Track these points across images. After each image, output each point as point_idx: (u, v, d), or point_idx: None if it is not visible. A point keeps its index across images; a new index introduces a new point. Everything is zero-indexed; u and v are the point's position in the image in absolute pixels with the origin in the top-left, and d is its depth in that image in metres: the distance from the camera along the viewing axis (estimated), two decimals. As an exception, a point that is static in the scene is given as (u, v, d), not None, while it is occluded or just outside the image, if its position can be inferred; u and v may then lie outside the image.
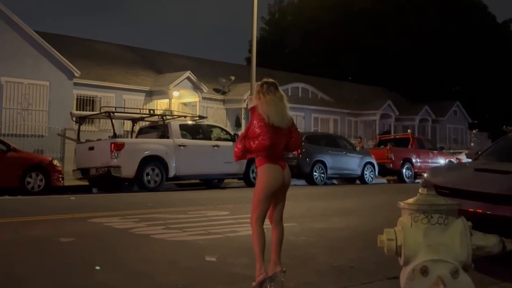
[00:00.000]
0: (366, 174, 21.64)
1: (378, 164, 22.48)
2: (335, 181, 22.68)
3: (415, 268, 2.65)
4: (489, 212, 6.39)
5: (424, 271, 2.62)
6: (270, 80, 5.12)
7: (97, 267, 5.06)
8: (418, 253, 2.71)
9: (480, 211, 6.46)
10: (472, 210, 6.46)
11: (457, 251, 2.68)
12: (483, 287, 5.12)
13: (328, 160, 20.35)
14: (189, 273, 5.68)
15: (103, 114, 17.64)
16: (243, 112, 30.10)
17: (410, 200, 2.84)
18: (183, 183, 18.43)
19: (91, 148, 16.71)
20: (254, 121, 4.96)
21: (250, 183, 18.47)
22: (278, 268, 4.98)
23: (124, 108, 23.19)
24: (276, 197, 5.05)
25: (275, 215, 5.14)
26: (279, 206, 5.13)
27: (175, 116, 18.94)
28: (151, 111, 19.57)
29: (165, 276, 5.51)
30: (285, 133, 5.03)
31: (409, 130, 30.00)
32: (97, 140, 17.68)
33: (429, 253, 2.68)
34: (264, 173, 4.98)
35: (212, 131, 19.08)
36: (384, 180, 24.51)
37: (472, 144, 44.04)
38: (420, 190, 2.97)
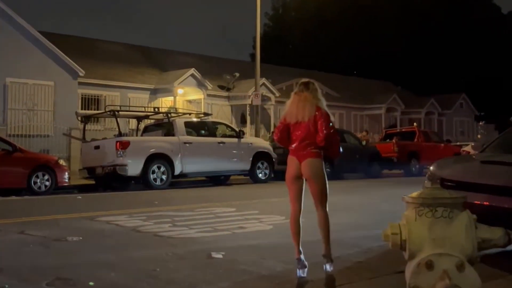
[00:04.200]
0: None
1: (384, 157, 22.39)
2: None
3: (420, 262, 2.63)
4: (496, 205, 6.35)
5: (429, 265, 2.61)
6: (304, 80, 5.67)
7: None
8: (423, 247, 2.69)
9: (487, 203, 6.43)
10: (478, 202, 6.43)
11: (462, 244, 2.66)
12: (490, 280, 5.11)
13: None
14: (196, 270, 5.68)
15: (108, 113, 17.66)
16: (248, 108, 30.06)
17: (414, 194, 2.83)
18: (189, 181, 18.43)
19: (97, 147, 16.74)
20: None
21: (256, 179, 18.49)
22: (323, 251, 5.40)
23: (129, 106, 23.21)
24: (309, 186, 5.45)
25: (314, 203, 5.49)
26: (313, 194, 5.45)
27: (180, 114, 18.92)
28: (156, 109, 19.55)
29: (171, 273, 5.51)
30: (306, 126, 5.39)
31: (415, 124, 29.90)
32: (103, 139, 17.72)
33: (434, 247, 2.67)
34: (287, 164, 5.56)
35: (217, 128, 19.09)
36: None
37: (479, 136, 43.83)
38: (425, 184, 2.95)
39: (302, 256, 5.38)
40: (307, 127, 5.38)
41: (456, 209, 2.73)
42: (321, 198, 5.42)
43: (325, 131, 5.31)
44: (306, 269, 5.36)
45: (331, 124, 5.43)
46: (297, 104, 5.49)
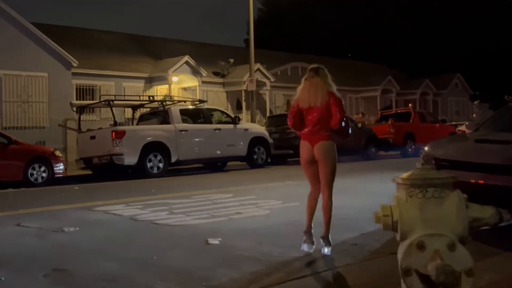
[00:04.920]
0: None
1: (381, 139, 22.41)
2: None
3: (411, 243, 2.63)
4: (490, 183, 6.37)
5: (420, 246, 2.61)
6: (313, 65, 5.82)
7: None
8: (414, 228, 2.69)
9: (482, 182, 6.44)
10: (473, 181, 6.45)
11: (454, 224, 2.66)
12: (486, 257, 5.13)
13: None
14: (192, 257, 5.69)
15: (103, 102, 17.61)
16: (243, 94, 30.02)
17: (405, 175, 2.82)
18: (186, 168, 18.44)
19: (93, 137, 16.72)
20: None
21: (253, 165, 18.51)
22: (323, 233, 5.59)
23: (124, 95, 23.16)
24: (319, 167, 5.63)
25: (321, 185, 5.67)
26: (321, 175, 5.64)
27: (175, 102, 18.90)
28: (151, 98, 19.52)
29: (168, 261, 5.53)
30: (319, 110, 5.58)
31: (410, 104, 29.90)
32: (98, 129, 17.68)
33: (425, 227, 2.67)
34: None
35: (213, 114, 19.09)
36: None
37: (474, 115, 43.88)
38: (416, 164, 2.95)
39: (312, 231, 5.61)
40: (320, 112, 5.59)
41: (447, 189, 2.73)
42: (329, 181, 5.61)
43: (339, 115, 5.54)
44: (313, 246, 5.59)
45: (343, 108, 5.67)
46: (309, 89, 5.68)
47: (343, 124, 5.58)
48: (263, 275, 4.90)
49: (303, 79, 5.83)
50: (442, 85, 43.42)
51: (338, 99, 5.67)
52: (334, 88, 5.74)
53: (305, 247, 5.60)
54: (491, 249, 5.51)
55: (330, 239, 5.58)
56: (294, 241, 6.25)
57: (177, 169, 17.85)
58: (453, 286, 2.48)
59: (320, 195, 5.70)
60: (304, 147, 5.70)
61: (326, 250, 5.52)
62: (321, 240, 5.56)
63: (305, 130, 5.69)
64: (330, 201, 5.64)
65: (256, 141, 18.68)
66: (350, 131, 5.84)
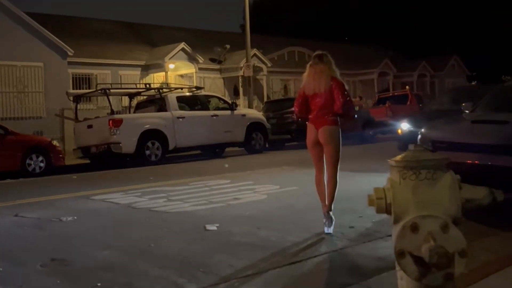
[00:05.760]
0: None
1: (378, 122, 22.38)
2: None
3: (405, 225, 2.62)
4: (486, 163, 6.37)
5: (414, 227, 2.60)
6: (318, 52, 6.07)
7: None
8: (408, 210, 2.69)
9: (478, 162, 6.44)
10: (470, 162, 6.45)
11: (447, 205, 2.65)
12: (483, 237, 5.15)
13: None
14: (190, 244, 5.70)
15: (100, 91, 17.56)
16: (240, 80, 29.93)
17: (398, 157, 2.81)
18: (184, 155, 18.44)
19: (90, 126, 16.69)
20: None
21: (251, 150, 18.52)
22: (324, 209, 5.89)
23: (121, 84, 23.08)
24: (324, 150, 5.95)
25: (326, 165, 6.00)
26: (326, 157, 5.96)
27: (171, 89, 18.85)
28: (148, 85, 19.46)
29: (166, 248, 5.54)
30: (323, 96, 5.84)
31: (407, 87, 29.82)
32: (95, 118, 17.65)
33: (419, 209, 2.66)
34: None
35: (210, 101, 19.06)
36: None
37: (472, 96, 43.74)
38: (409, 147, 2.93)
39: (331, 213, 5.84)
40: (324, 97, 5.85)
41: (440, 170, 2.72)
42: (333, 162, 5.93)
43: (341, 99, 5.79)
44: (332, 225, 5.82)
45: (346, 92, 5.89)
46: (313, 76, 5.94)
47: (347, 107, 5.84)
48: (260, 260, 4.91)
49: (308, 66, 6.07)
50: (439, 66, 43.33)
51: (340, 84, 5.91)
52: (337, 73, 6.01)
53: (326, 229, 5.82)
54: (488, 230, 5.53)
55: (331, 216, 5.82)
56: (291, 226, 6.27)
57: (174, 156, 17.85)
58: (446, 267, 2.48)
59: (326, 176, 5.97)
60: (310, 130, 5.99)
61: (328, 228, 5.78)
62: (323, 217, 5.84)
63: (311, 115, 5.97)
64: (334, 179, 5.92)
65: (254, 126, 18.68)
66: (355, 115, 6.18)
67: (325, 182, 5.97)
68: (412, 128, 12.71)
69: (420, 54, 45.46)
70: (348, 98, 5.90)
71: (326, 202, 5.88)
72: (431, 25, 51.78)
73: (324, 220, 5.83)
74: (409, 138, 10.06)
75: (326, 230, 5.79)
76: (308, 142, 6.05)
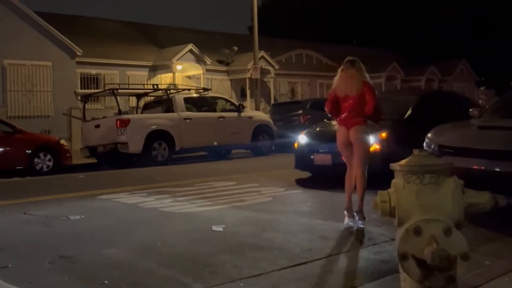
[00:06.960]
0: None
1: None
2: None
3: (408, 228, 2.67)
4: (492, 169, 6.39)
5: (417, 231, 2.65)
6: (349, 58, 6.59)
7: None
8: (411, 214, 2.74)
9: (484, 168, 6.47)
10: (476, 167, 6.48)
11: (450, 209, 2.70)
12: (487, 242, 5.18)
13: None
14: (196, 244, 5.75)
15: (108, 91, 17.65)
16: (247, 82, 29.98)
17: (402, 162, 2.86)
18: (190, 156, 18.50)
19: (97, 126, 16.77)
20: None
21: (257, 152, 18.55)
22: (357, 207, 6.24)
23: (128, 84, 23.16)
24: (354, 149, 6.35)
25: (355, 164, 6.37)
26: (355, 156, 6.34)
27: (179, 90, 18.91)
28: (155, 86, 19.54)
29: (172, 248, 5.59)
30: (354, 98, 6.29)
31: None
32: (103, 117, 17.73)
33: (422, 213, 2.71)
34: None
35: (217, 102, 19.09)
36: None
37: (480, 101, 43.69)
38: (413, 151, 2.98)
39: (354, 210, 6.23)
40: (355, 100, 6.30)
41: (443, 175, 2.77)
42: (362, 160, 6.30)
43: (373, 102, 6.24)
44: (354, 219, 6.20)
45: (376, 96, 6.35)
46: (345, 80, 6.40)
47: (377, 110, 6.30)
48: (265, 261, 4.95)
49: (339, 70, 6.54)
50: (448, 71, 43.20)
51: (372, 88, 6.40)
52: (368, 78, 6.47)
53: (348, 221, 6.24)
54: (492, 235, 5.55)
55: (363, 213, 6.20)
56: (296, 228, 6.32)
57: (181, 157, 17.91)
58: (448, 270, 2.53)
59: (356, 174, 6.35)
60: (341, 131, 6.44)
61: (360, 223, 6.17)
62: (355, 214, 6.23)
63: (342, 116, 6.41)
64: (364, 177, 6.28)
65: (260, 129, 18.72)
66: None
67: (354, 181, 6.34)
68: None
69: (428, 59, 45.40)
70: (378, 102, 6.31)
71: (358, 202, 6.22)
72: (440, 29, 51.71)
73: (346, 215, 6.25)
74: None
75: (359, 224, 6.17)
76: (338, 142, 6.48)
